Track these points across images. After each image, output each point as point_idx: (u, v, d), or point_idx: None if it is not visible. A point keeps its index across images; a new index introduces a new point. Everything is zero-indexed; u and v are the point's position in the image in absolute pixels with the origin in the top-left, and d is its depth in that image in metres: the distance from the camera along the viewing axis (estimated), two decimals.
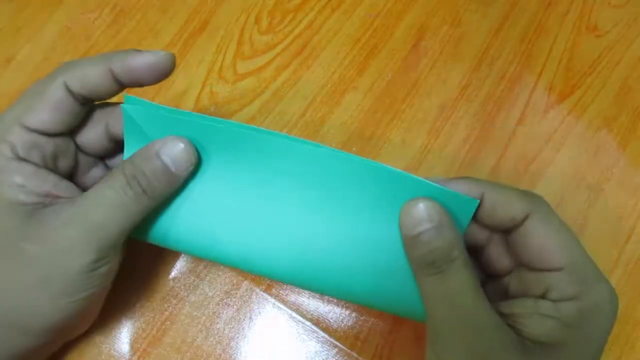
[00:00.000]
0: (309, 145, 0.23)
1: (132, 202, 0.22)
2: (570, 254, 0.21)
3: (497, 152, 0.34)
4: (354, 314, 0.30)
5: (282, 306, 0.30)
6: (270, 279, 0.30)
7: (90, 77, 0.22)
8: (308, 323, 0.29)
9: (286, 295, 0.30)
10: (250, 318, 0.30)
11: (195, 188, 0.25)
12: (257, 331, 0.29)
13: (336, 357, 0.29)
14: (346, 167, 0.23)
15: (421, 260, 0.21)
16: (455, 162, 0.33)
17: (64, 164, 0.24)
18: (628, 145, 0.34)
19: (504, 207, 0.22)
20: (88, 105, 0.24)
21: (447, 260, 0.20)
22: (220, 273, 0.30)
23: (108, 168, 0.27)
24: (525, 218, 0.21)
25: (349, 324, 0.29)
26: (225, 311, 0.29)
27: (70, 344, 0.28)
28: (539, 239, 0.21)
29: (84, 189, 0.24)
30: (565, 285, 0.20)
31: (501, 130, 0.34)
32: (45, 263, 0.21)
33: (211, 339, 0.29)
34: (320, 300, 0.30)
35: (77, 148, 0.25)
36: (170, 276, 0.30)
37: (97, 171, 0.26)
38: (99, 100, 0.24)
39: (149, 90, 0.34)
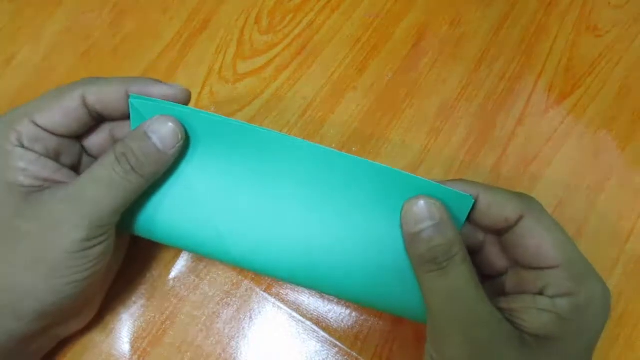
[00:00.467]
0: (308, 144, 0.23)
1: (122, 179, 0.22)
2: (565, 252, 0.21)
3: (497, 152, 0.34)
4: (354, 314, 0.30)
5: (282, 306, 0.30)
6: (269, 276, 0.30)
7: (108, 95, 0.24)
8: (308, 323, 0.29)
9: (286, 295, 0.30)
10: (250, 318, 0.30)
11: (196, 183, 0.25)
12: (257, 331, 0.29)
13: (336, 357, 0.29)
14: (345, 165, 0.23)
15: (422, 257, 0.21)
16: (455, 162, 0.33)
17: (67, 160, 0.25)
18: (628, 146, 0.34)
19: (498, 208, 0.22)
20: (98, 120, 0.25)
21: (448, 256, 0.21)
22: (220, 273, 0.30)
23: None
24: (519, 219, 0.22)
25: (349, 324, 0.29)
26: (225, 311, 0.30)
27: (70, 344, 0.28)
28: (535, 238, 0.22)
29: None
30: (561, 282, 0.21)
31: (501, 130, 0.34)
32: (38, 240, 0.21)
33: (211, 338, 0.29)
34: (320, 300, 0.30)
35: (83, 149, 0.26)
36: (171, 276, 0.30)
37: None
38: (110, 119, 0.25)
39: None
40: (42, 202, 0.22)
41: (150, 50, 0.36)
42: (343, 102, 0.35)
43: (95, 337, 0.28)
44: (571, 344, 0.21)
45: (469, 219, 0.23)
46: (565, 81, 0.36)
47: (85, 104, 0.24)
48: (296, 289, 0.30)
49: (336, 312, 0.30)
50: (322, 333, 0.29)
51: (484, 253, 0.25)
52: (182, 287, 0.30)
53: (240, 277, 0.30)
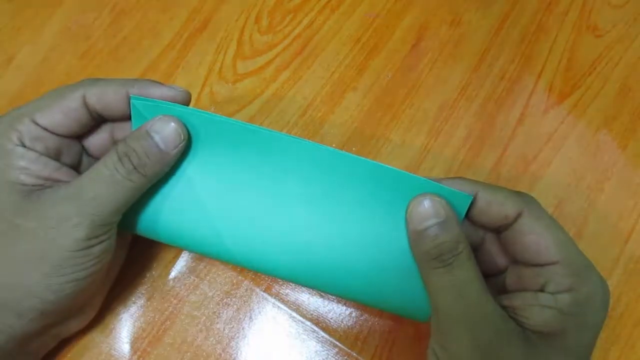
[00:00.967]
0: (309, 143, 0.23)
1: (124, 179, 0.22)
2: (564, 248, 0.22)
3: (497, 152, 0.34)
4: (354, 314, 0.30)
5: (282, 306, 0.30)
6: (271, 275, 0.30)
7: (108, 96, 0.24)
8: (308, 323, 0.29)
9: (286, 295, 0.30)
10: (250, 318, 0.30)
11: (197, 182, 0.25)
12: (257, 331, 0.29)
13: (336, 357, 0.29)
14: (346, 164, 0.23)
15: (428, 254, 0.22)
16: (455, 162, 0.33)
17: (67, 160, 0.25)
18: (628, 145, 0.34)
19: (497, 206, 0.23)
20: (98, 120, 0.25)
21: (454, 253, 0.21)
22: (220, 273, 0.30)
23: None
24: (518, 216, 0.22)
25: (349, 324, 0.29)
26: (225, 311, 0.30)
27: (70, 344, 0.28)
28: (534, 235, 0.22)
29: None
30: (561, 278, 0.21)
31: (501, 130, 0.34)
32: (40, 238, 0.22)
33: (211, 338, 0.29)
34: (320, 300, 0.30)
35: (83, 149, 0.26)
36: (170, 276, 0.30)
37: None
38: (110, 120, 0.25)
39: None
40: (43, 201, 0.22)
41: (150, 50, 0.36)
42: (343, 102, 0.35)
43: (95, 337, 0.28)
44: (573, 339, 0.21)
45: (468, 216, 0.23)
46: (565, 81, 0.36)
47: (85, 105, 0.24)
48: (296, 289, 0.30)
49: (336, 312, 0.30)
50: (322, 333, 0.29)
51: (484, 251, 0.25)
52: (182, 287, 0.30)
53: (240, 277, 0.30)
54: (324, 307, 0.30)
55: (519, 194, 0.23)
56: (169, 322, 0.29)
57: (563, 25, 0.37)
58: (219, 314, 0.29)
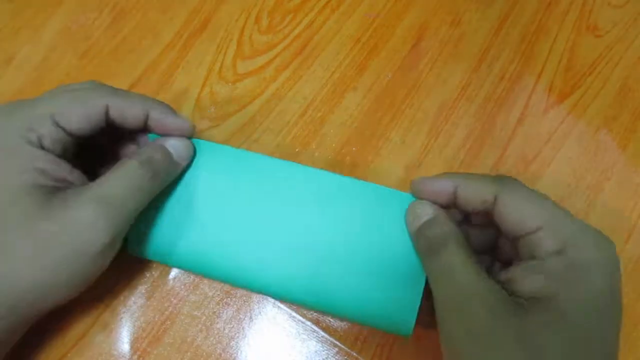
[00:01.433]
0: (298, 166, 0.27)
1: (145, 183, 0.24)
2: (545, 214, 0.22)
3: (497, 152, 0.34)
4: None
5: (282, 306, 0.30)
6: (266, 294, 0.30)
7: (130, 112, 0.26)
8: (308, 323, 0.29)
9: None
10: (250, 318, 0.30)
11: (196, 205, 0.27)
12: (257, 331, 0.29)
13: (336, 357, 0.29)
14: (330, 184, 0.27)
15: (423, 246, 0.24)
16: (455, 162, 0.33)
17: (78, 162, 0.25)
18: (628, 145, 0.34)
19: (474, 193, 0.24)
20: (111, 127, 0.27)
21: (442, 243, 0.23)
22: None
23: None
24: (496, 198, 0.24)
25: (349, 324, 0.29)
26: (225, 311, 0.30)
27: (70, 344, 0.28)
28: (511, 209, 0.23)
29: None
30: (545, 242, 0.22)
31: (501, 130, 0.34)
32: (67, 241, 0.22)
33: (211, 338, 0.29)
34: None
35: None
36: (170, 276, 0.30)
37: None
38: (122, 129, 0.27)
39: (150, 91, 0.34)
40: (68, 205, 0.22)
41: (150, 50, 0.36)
42: (343, 102, 0.35)
43: (95, 336, 0.28)
44: (567, 303, 0.21)
45: (457, 206, 0.25)
46: (565, 81, 0.36)
47: (106, 114, 0.25)
48: None
49: None
50: (322, 333, 0.29)
51: (499, 245, 0.27)
52: (182, 287, 0.30)
53: None
54: None
55: (495, 178, 0.24)
56: (169, 322, 0.29)
57: (563, 25, 0.37)
58: (219, 313, 0.29)
